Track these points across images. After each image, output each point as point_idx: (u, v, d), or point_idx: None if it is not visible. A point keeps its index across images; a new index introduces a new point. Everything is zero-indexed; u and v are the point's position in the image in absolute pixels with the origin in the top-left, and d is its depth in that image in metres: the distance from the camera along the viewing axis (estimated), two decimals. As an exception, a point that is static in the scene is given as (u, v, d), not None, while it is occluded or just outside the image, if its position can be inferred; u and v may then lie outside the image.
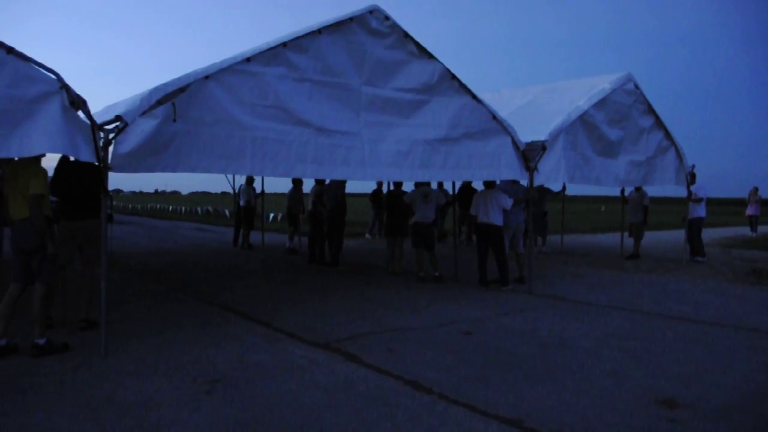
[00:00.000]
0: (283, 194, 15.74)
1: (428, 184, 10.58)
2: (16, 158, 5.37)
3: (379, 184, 18.34)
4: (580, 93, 10.65)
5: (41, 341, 5.61)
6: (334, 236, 12.02)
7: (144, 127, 5.68)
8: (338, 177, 8.80)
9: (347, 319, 7.40)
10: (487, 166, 8.92)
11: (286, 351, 5.95)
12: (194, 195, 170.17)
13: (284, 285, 10.11)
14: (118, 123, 5.42)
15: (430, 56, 8.17)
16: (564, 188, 15.10)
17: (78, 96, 5.14)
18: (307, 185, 14.19)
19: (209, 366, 5.38)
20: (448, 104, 8.40)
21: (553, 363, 5.70)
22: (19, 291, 5.64)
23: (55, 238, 5.87)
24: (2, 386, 4.77)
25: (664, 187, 12.73)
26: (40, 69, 4.98)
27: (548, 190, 14.93)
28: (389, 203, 11.60)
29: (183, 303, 8.38)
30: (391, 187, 12.16)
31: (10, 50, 4.84)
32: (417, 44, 8.04)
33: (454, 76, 8.40)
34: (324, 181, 12.43)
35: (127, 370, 5.24)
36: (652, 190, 13.87)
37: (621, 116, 10.97)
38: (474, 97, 8.65)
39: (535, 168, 9.22)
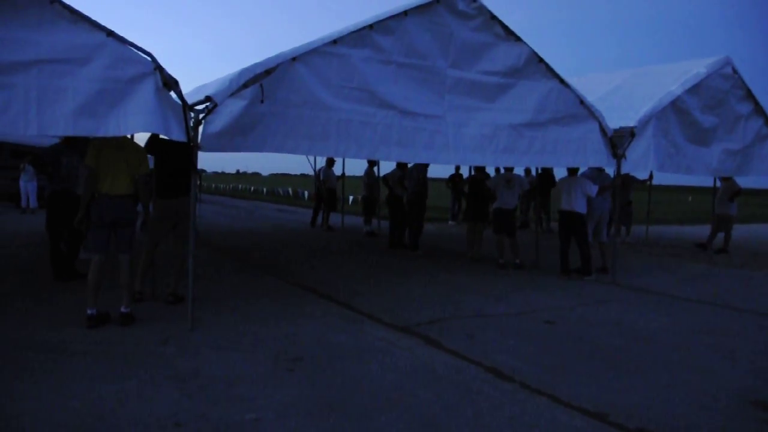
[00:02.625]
0: (358, 177, 15.80)
1: (511, 169, 10.40)
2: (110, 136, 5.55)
3: (457, 168, 18.13)
4: (673, 78, 10.20)
5: (126, 310, 5.88)
6: (414, 220, 11.98)
7: (232, 108, 5.81)
8: (422, 160, 8.75)
9: (426, 303, 7.38)
10: (573, 152, 8.68)
11: (365, 332, 5.98)
12: (274, 176, 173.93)
13: (363, 267, 10.17)
14: (208, 103, 5.56)
15: (517, 39, 7.99)
16: (651, 177, 14.55)
17: (170, 77, 5.30)
18: (384, 168, 14.22)
19: (290, 344, 5.47)
20: (535, 88, 8.21)
21: (639, 356, 5.51)
22: (102, 262, 5.85)
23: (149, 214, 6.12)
24: (97, 354, 5.00)
25: (763, 178, 12.06)
26: (136, 51, 5.15)
27: (633, 179, 14.42)
28: (471, 188, 11.46)
29: (264, 281, 8.56)
30: (472, 172, 12.01)
31: (110, 33, 5.05)
32: (504, 26, 7.87)
33: (541, 60, 8.20)
34: (406, 165, 12.42)
35: (212, 344, 5.39)
36: (748, 181, 13.17)
37: (716, 102, 10.44)
38: (561, 81, 8.41)
39: (623, 155, 8.91)
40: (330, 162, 16.21)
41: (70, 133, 5.16)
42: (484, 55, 7.77)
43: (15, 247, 11.20)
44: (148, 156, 6.27)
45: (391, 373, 4.80)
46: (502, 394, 4.44)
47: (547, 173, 15.12)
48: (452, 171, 18.55)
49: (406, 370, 4.88)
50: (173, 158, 6.58)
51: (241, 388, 4.37)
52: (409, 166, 12.19)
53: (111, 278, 6.08)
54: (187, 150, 6.01)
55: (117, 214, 5.79)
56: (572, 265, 9.69)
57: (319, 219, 16.60)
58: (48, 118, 4.91)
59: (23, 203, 18.70)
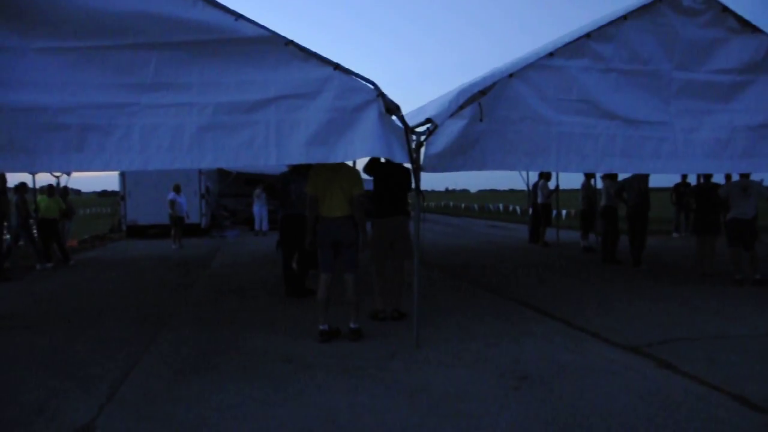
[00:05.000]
0: (576, 190, 15.34)
1: (748, 175, 9.46)
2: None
3: (683, 177, 16.89)
4: None
5: (355, 326, 6.22)
6: (636, 233, 11.34)
7: (452, 129, 5.97)
8: (648, 171, 8.26)
9: (656, 322, 6.92)
10: (829, 152, 7.67)
11: (591, 352, 5.75)
12: (482, 192, 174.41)
13: (582, 284, 9.82)
14: (429, 125, 5.74)
15: (756, 30, 7.32)
16: None
17: (392, 102, 5.57)
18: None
19: (515, 362, 5.42)
20: (777, 83, 7.41)
21: None
22: (330, 280, 6.23)
23: (366, 234, 6.43)
24: (330, 367, 5.35)
25: None
26: (360, 80, 5.49)
27: None
28: (699, 197, 10.60)
29: (483, 298, 8.60)
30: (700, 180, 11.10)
31: (337, 66, 5.48)
32: (738, 18, 7.26)
33: (785, 50, 7.39)
34: (615, 175, 11.84)
35: (437, 360, 5.51)
36: None
37: None
38: (813, 72, 7.50)
39: None
40: (546, 176, 15.92)
41: (303, 161, 5.62)
42: (715, 53, 7.22)
43: (254, 265, 12.37)
44: (367, 178, 6.62)
45: (624, 397, 4.54)
46: (751, 426, 4.01)
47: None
48: (675, 180, 17.36)
49: (639, 394, 4.60)
50: (390, 179, 6.89)
51: (468, 405, 4.41)
52: (625, 177, 11.58)
53: (342, 295, 6.46)
54: (403, 171, 6.27)
55: (336, 235, 6.15)
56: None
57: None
58: (285, 149, 5.42)
59: (257, 226, 20.61)
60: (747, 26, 7.30)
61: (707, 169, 8.05)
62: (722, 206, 9.87)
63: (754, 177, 9.51)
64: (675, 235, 18.09)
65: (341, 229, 6.16)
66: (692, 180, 14.60)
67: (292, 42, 5.42)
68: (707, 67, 7.19)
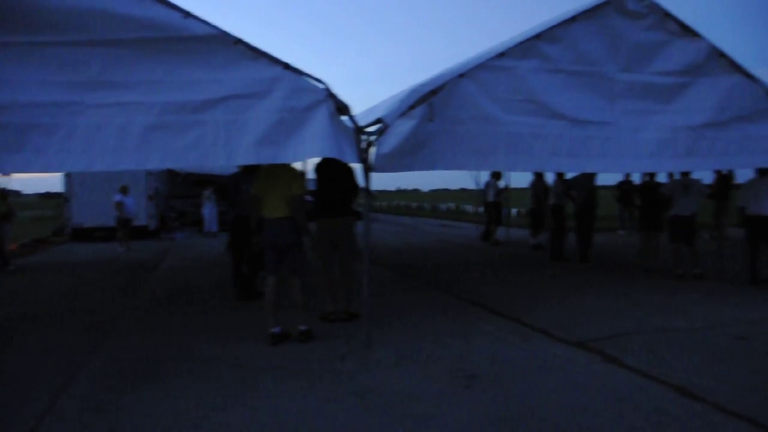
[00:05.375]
0: (526, 188, 15.54)
1: (689, 174, 9.74)
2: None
3: (626, 175, 17.30)
4: None
5: (305, 328, 6.17)
6: (584, 231, 11.58)
7: (402, 128, 5.97)
8: (594, 170, 8.47)
9: (601, 317, 7.08)
10: (763, 151, 7.93)
11: (540, 348, 5.84)
12: (434, 192, 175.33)
13: (531, 281, 9.98)
14: (379, 125, 5.75)
15: (695, 34, 7.52)
16: None
17: (343, 102, 5.56)
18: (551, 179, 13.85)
19: (465, 361, 5.46)
20: (716, 85, 7.65)
21: None
22: (275, 282, 6.17)
23: (311, 235, 6.38)
24: (280, 370, 5.31)
25: None
26: (311, 80, 5.47)
27: None
28: (644, 195, 10.89)
29: (433, 297, 8.64)
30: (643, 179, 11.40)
31: (287, 66, 5.43)
32: (679, 22, 7.46)
33: (723, 54, 7.64)
34: (563, 174, 12.09)
35: (388, 361, 5.51)
36: None
37: None
38: (747, 74, 7.76)
39: (821, 152, 8.04)
40: (497, 175, 16.11)
41: (252, 161, 5.57)
42: (658, 55, 7.40)
43: (201, 268, 12.19)
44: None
45: (570, 391, 4.64)
46: (693, 417, 4.12)
47: (725, 175, 14.00)
48: (618, 179, 17.74)
49: (585, 389, 4.69)
50: (332, 179, 6.86)
51: (419, 405, 4.42)
52: (573, 175, 11.82)
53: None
54: (348, 170, 6.25)
55: (276, 236, 6.09)
56: (762, 273, 8.88)
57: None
58: (234, 150, 5.35)
59: (206, 228, 20.33)
60: (687, 30, 7.51)
61: (650, 167, 8.27)
62: (665, 204, 10.16)
63: (695, 176, 9.82)
64: (621, 232, 18.50)
65: (281, 231, 6.08)
66: (637, 178, 14.99)
67: (241, 41, 5.35)
68: (650, 69, 7.36)
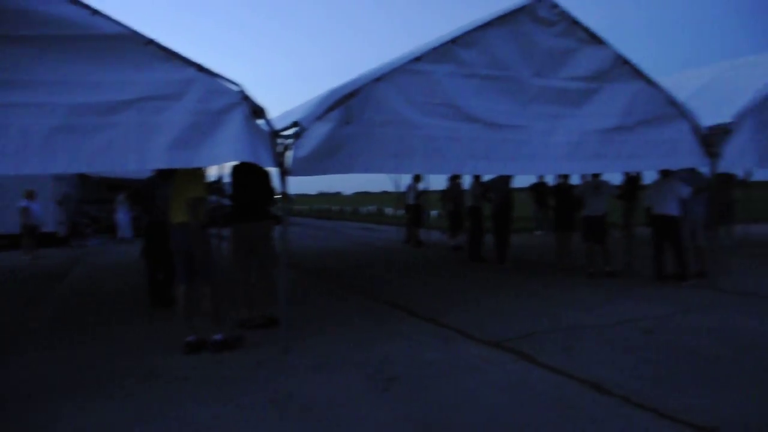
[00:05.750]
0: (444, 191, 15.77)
1: (599, 175, 10.12)
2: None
3: (540, 177, 17.76)
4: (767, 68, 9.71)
5: (218, 337, 5.99)
6: (501, 232, 11.84)
7: (319, 132, 5.94)
8: (509, 172, 8.65)
9: (518, 317, 7.25)
10: (665, 154, 8.35)
11: (457, 349, 5.92)
12: (356, 195, 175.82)
13: (450, 283, 10.12)
14: (296, 129, 5.69)
15: (601, 42, 7.81)
16: (750, 174, 13.80)
17: (258, 105, 5.48)
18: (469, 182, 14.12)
19: (384, 364, 5.47)
20: (621, 91, 7.98)
21: (750, 366, 5.20)
22: (186, 289, 6.02)
23: (209, 240, 6.16)
24: (195, 379, 5.17)
25: None
26: (225, 83, 5.35)
27: (733, 177, 13.73)
28: (558, 197, 11.24)
29: (353, 301, 8.63)
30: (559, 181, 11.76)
31: (200, 68, 5.29)
32: (587, 30, 7.72)
33: (626, 61, 7.97)
34: (480, 176, 12.33)
35: (306, 366, 5.46)
36: None
37: (816, 92, 9.84)
38: (649, 81, 8.14)
39: (718, 153, 8.52)
40: (417, 178, 16.27)
41: (165, 165, 5.39)
42: (568, 61, 7.64)
43: (114, 276, 11.76)
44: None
45: (487, 391, 4.73)
46: (603, 410, 4.29)
47: (633, 177, 14.63)
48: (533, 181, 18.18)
49: (501, 387, 4.80)
50: (247, 183, 6.74)
51: (338, 410, 4.40)
52: (490, 177, 12.07)
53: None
54: (263, 174, 6.16)
55: (181, 242, 5.94)
56: (667, 270, 9.31)
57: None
58: (146, 153, 5.16)
59: (120, 234, 19.66)
60: (594, 38, 7.79)
61: (562, 169, 8.54)
62: (578, 205, 10.53)
63: (605, 177, 10.21)
64: (538, 232, 19.03)
65: (183, 236, 5.91)
66: (551, 180, 15.43)
67: (152, 41, 5.17)
68: (561, 75, 7.59)
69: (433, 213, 23.82)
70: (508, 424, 4.09)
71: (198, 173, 5.95)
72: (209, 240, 6.07)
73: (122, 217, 19.81)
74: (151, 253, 8.24)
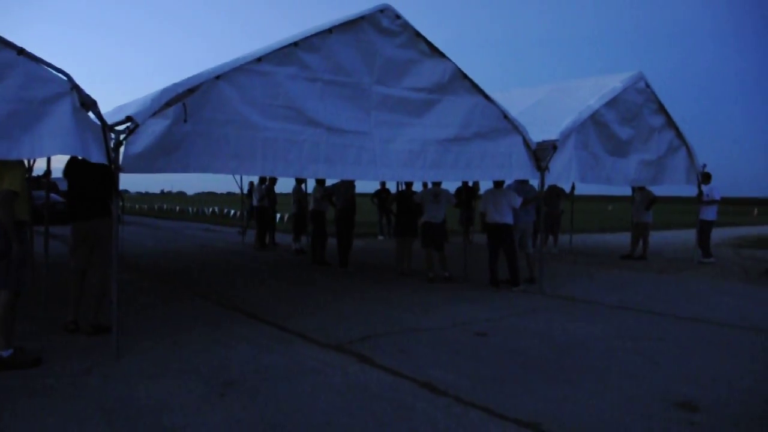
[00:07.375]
0: (289, 194, 15.70)
1: (439, 183, 10.51)
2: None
3: (383, 184, 18.18)
4: (591, 92, 10.59)
5: (6, 353, 5.17)
6: (343, 236, 11.94)
7: (155, 128, 5.64)
8: (350, 177, 8.76)
9: (358, 320, 7.34)
10: (499, 165, 8.86)
11: (298, 353, 5.89)
12: (200, 195, 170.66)
13: (293, 286, 10.07)
14: (129, 124, 5.36)
15: (442, 55, 8.10)
16: (573, 188, 15.01)
17: (88, 97, 5.07)
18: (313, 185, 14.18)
19: (222, 368, 5.33)
20: (460, 104, 8.35)
21: (569, 364, 5.64)
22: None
23: (23, 241, 5.32)
24: (15, 390, 4.71)
25: (675, 186, 12.65)
26: (50, 70, 4.93)
27: (562, 190, 14.91)
28: (399, 203, 11.55)
29: (192, 304, 8.33)
30: (402, 187, 12.10)
31: (21, 51, 4.78)
32: (428, 43, 7.97)
33: (465, 76, 8.34)
34: (324, 180, 12.43)
35: (139, 372, 5.18)
36: (663, 189, 13.75)
37: (632, 115, 10.90)
38: (486, 96, 8.59)
39: (546, 168, 9.16)
40: (262, 179, 16.05)
41: (-20, 157, 4.87)
42: (410, 72, 7.84)
43: None
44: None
45: (325, 393, 4.73)
46: (436, 410, 4.43)
47: (469, 186, 15.38)
48: (377, 187, 18.53)
49: (339, 390, 4.83)
50: (84, 179, 6.29)
51: (170, 417, 4.21)
52: (332, 182, 12.17)
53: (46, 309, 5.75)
54: (101, 171, 5.69)
55: None
56: (501, 276, 9.85)
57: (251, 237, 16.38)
58: None
59: None
60: (435, 51, 8.07)
61: (403, 177, 8.79)
62: (418, 211, 10.88)
63: (445, 186, 10.64)
64: (380, 237, 19.43)
65: None
66: (393, 187, 15.85)
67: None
68: (403, 84, 7.78)
69: (278, 215, 23.60)
70: (343, 425, 4.11)
71: (14, 165, 5.18)
72: (25, 240, 5.41)
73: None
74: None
